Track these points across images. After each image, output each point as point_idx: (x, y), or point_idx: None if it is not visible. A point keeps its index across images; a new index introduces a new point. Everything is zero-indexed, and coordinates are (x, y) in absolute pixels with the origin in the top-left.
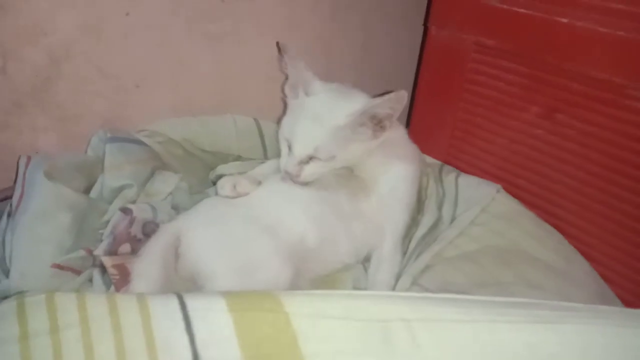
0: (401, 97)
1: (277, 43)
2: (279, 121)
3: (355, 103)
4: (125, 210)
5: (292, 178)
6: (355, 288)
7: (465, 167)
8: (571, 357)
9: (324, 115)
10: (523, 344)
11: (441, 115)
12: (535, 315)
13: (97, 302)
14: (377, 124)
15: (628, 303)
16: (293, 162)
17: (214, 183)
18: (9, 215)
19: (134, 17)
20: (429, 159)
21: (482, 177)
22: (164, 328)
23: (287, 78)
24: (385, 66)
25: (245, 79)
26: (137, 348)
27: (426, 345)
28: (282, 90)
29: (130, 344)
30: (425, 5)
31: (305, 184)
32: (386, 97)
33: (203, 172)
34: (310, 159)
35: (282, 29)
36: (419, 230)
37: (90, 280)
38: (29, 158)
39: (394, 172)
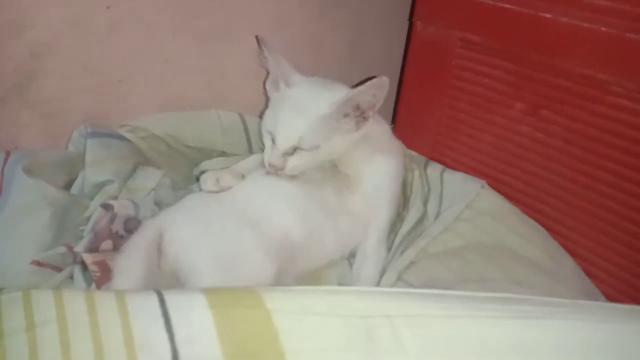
0: (383, 83)
1: (257, 37)
2: (260, 115)
3: (337, 92)
4: (106, 207)
5: (276, 171)
6: (340, 284)
7: (451, 162)
8: (554, 352)
9: (307, 104)
10: (504, 338)
11: (427, 111)
12: (518, 310)
13: (74, 300)
14: (360, 114)
15: (612, 299)
16: (277, 154)
17: (198, 179)
18: None
19: (117, 11)
20: (414, 155)
21: (467, 173)
22: (143, 325)
23: (268, 74)
24: (373, 63)
25: (232, 75)
26: (115, 346)
27: (409, 341)
28: (264, 86)
29: (108, 341)
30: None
31: (290, 176)
32: (368, 83)
33: (187, 168)
34: (294, 150)
35: (270, 26)
36: (404, 226)
37: (71, 277)
38: (7, 153)
39: (378, 167)
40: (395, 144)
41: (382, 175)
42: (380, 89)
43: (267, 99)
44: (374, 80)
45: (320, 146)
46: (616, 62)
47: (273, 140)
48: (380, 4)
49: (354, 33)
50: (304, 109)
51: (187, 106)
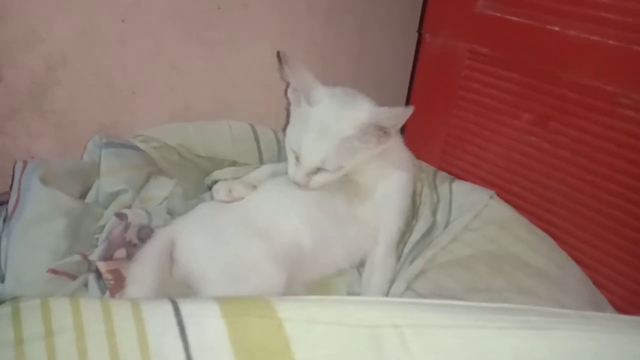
0: (409, 112)
1: (278, 53)
2: (283, 128)
3: (359, 112)
4: (120, 216)
5: (300, 187)
6: (349, 293)
7: (459, 173)
8: None
9: (330, 127)
10: (512, 350)
11: (435, 122)
12: (525, 321)
13: (91, 307)
14: (381, 130)
15: (620, 309)
16: (301, 174)
17: (210, 188)
18: (4, 220)
19: (129, 23)
20: (423, 165)
21: (475, 183)
22: (158, 333)
23: (288, 84)
24: (380, 72)
25: (241, 85)
26: (131, 353)
27: (416, 351)
28: (286, 96)
29: (124, 349)
30: (420, 12)
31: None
32: (395, 112)
33: (198, 178)
34: (319, 169)
35: (277, 36)
36: (413, 235)
37: (86, 285)
38: (24, 163)
39: (389, 178)
40: (407, 155)
41: (394, 187)
42: (405, 116)
43: (286, 112)
44: (400, 111)
45: (344, 166)
46: (623, 74)
47: (297, 159)
48: (387, 16)
49: (360, 43)
50: (327, 131)
51: (196, 115)
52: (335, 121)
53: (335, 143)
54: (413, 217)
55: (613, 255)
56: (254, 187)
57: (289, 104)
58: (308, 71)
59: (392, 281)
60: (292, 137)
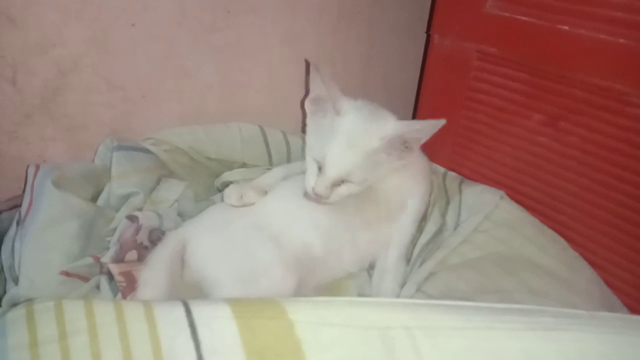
0: (438, 125)
1: (307, 62)
2: (303, 130)
3: (386, 125)
4: (131, 218)
5: (318, 199)
6: (359, 295)
7: (469, 173)
8: None
9: (358, 138)
10: (522, 351)
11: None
12: (535, 322)
13: (104, 309)
14: (405, 143)
15: (633, 310)
16: (324, 185)
17: (219, 190)
18: (18, 223)
19: (139, 28)
20: (433, 166)
21: (485, 184)
22: (170, 335)
23: (307, 92)
24: (389, 74)
25: (250, 88)
26: (143, 355)
27: (427, 352)
28: (302, 106)
29: (137, 350)
30: (428, 13)
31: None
32: (423, 124)
33: (208, 180)
34: (342, 181)
35: (286, 40)
36: (422, 236)
37: (98, 287)
38: (37, 167)
39: (406, 185)
40: (423, 160)
41: (409, 195)
42: (435, 129)
43: (303, 118)
44: (428, 124)
45: (369, 179)
46: (633, 73)
47: (319, 169)
48: (396, 18)
49: (369, 46)
50: (355, 143)
51: (206, 118)
52: (362, 133)
53: (361, 155)
54: (423, 218)
55: (625, 255)
56: (265, 192)
57: (304, 115)
58: (334, 82)
59: (402, 285)
60: (315, 147)
